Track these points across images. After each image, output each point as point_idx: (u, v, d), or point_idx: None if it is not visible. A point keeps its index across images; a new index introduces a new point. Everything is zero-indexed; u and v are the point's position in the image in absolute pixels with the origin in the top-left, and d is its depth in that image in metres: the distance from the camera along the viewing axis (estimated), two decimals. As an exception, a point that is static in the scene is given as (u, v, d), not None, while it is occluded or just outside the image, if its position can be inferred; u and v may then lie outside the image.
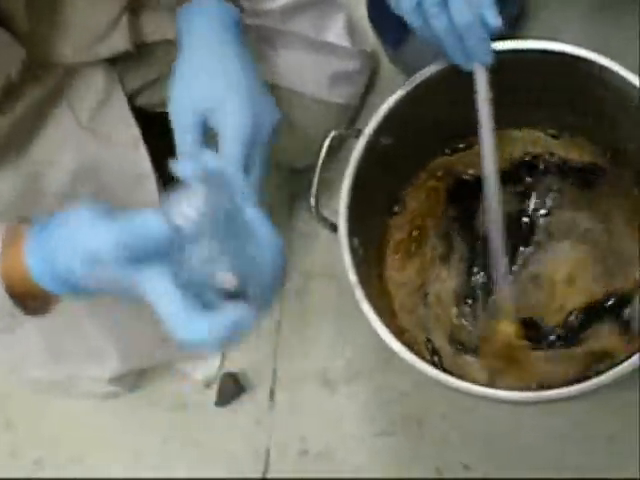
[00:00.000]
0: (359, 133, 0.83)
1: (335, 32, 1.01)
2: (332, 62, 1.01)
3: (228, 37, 0.76)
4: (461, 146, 0.96)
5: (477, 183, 0.85)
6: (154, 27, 0.88)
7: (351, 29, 1.04)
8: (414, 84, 0.84)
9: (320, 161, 0.82)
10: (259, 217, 0.60)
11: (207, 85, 0.73)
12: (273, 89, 0.93)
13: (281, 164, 1.09)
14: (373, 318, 0.79)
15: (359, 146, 0.83)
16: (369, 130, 0.83)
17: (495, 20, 0.73)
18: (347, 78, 1.03)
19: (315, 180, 0.82)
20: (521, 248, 0.92)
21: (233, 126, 0.70)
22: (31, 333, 0.94)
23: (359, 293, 0.80)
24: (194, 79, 0.74)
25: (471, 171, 0.95)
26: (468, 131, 0.85)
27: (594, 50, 0.81)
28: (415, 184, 0.96)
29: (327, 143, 0.83)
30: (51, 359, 0.98)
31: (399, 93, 0.83)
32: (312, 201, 0.81)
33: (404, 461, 1.01)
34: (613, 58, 0.80)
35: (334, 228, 0.82)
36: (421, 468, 1.00)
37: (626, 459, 0.94)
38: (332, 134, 0.83)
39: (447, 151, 0.96)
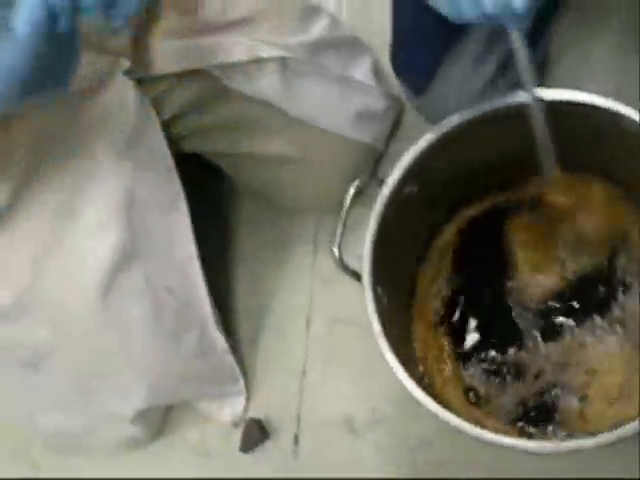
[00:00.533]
0: (382, 183, 0.83)
1: (362, 71, 1.03)
2: (358, 99, 1.01)
3: None
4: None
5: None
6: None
7: (377, 71, 1.05)
8: (438, 133, 0.84)
9: (344, 213, 0.83)
10: None
11: None
12: (298, 125, 0.96)
13: (305, 206, 1.09)
14: (396, 367, 0.80)
15: (382, 197, 0.83)
16: (392, 180, 0.84)
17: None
18: (372, 117, 1.04)
19: (339, 231, 0.83)
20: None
21: None
22: (59, 375, 0.94)
23: (382, 342, 0.80)
24: None
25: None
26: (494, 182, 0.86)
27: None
28: (441, 236, 0.96)
29: (351, 193, 0.84)
30: (76, 399, 0.98)
31: (422, 142, 0.84)
32: (335, 252, 0.82)
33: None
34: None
35: (358, 277, 0.82)
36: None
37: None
38: (356, 183, 0.84)
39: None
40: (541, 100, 0.78)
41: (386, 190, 0.83)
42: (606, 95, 0.81)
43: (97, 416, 1.02)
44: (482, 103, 0.83)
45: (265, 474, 1.07)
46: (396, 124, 1.11)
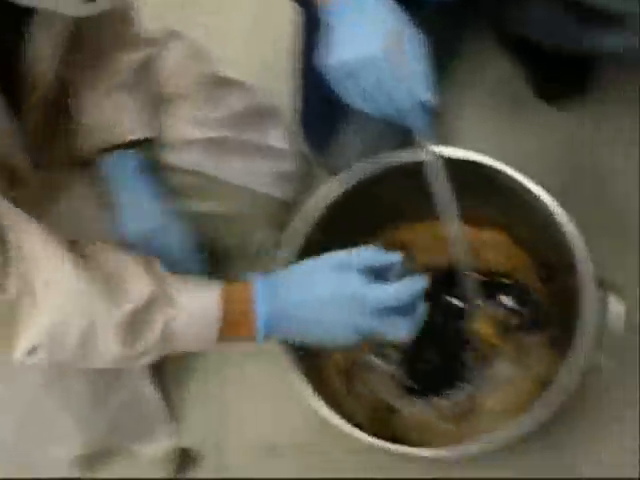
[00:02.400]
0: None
1: (276, 136, 1.15)
2: (273, 163, 1.14)
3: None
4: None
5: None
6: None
7: (289, 134, 1.17)
8: (335, 186, 0.98)
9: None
10: None
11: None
12: (227, 186, 1.08)
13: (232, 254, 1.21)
14: (309, 393, 0.91)
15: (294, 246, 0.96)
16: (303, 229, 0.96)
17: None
18: (286, 177, 1.16)
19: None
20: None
21: None
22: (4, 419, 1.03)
23: (294, 375, 0.92)
24: None
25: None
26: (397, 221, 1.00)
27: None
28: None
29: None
30: (20, 441, 1.07)
31: (320, 195, 0.98)
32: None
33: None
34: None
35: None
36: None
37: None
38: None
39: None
40: (439, 157, 0.90)
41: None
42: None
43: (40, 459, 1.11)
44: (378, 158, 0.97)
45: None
46: (307, 179, 1.23)
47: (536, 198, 0.95)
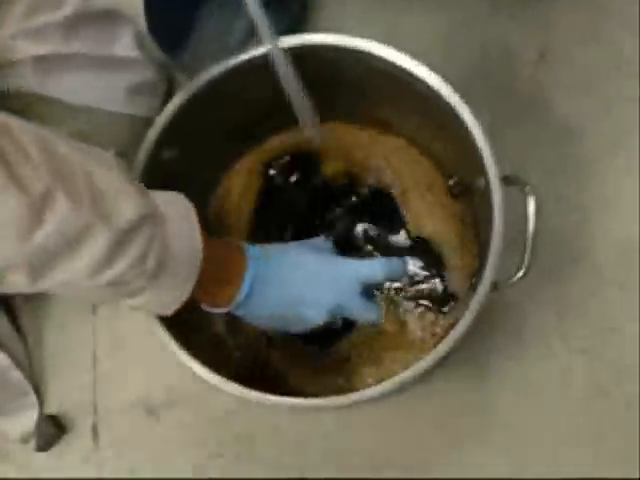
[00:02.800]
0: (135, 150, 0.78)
1: (123, 45, 0.97)
2: (124, 76, 0.97)
3: None
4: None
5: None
6: None
7: (140, 40, 1.00)
8: (190, 90, 0.80)
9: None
10: None
11: None
12: (68, 108, 0.91)
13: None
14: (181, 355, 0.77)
15: (138, 164, 0.78)
16: (146, 144, 0.79)
17: None
18: (142, 90, 0.99)
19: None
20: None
21: None
22: None
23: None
24: None
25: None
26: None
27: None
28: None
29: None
30: None
31: (172, 103, 0.80)
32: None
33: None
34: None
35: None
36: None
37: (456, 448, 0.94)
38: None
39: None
40: (281, 48, 0.75)
41: (141, 156, 0.78)
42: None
43: None
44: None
45: (67, 469, 1.02)
46: (169, 90, 1.06)
47: (432, 90, 0.78)
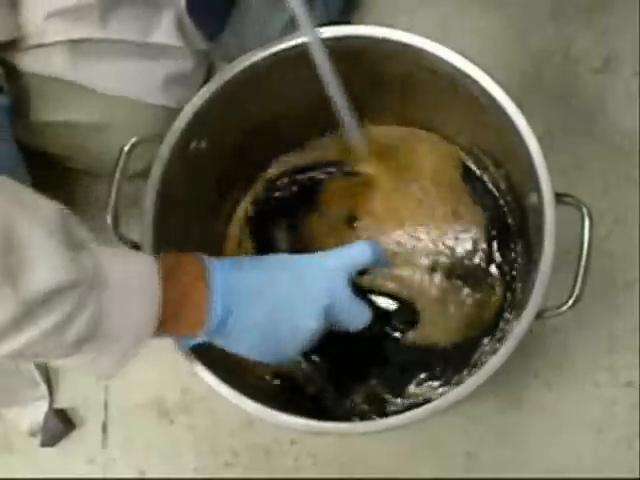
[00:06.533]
0: (161, 139, 0.73)
1: (163, 31, 0.92)
2: (163, 64, 0.92)
3: None
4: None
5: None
6: None
7: (181, 27, 0.94)
8: (224, 79, 0.75)
9: (118, 172, 0.72)
10: None
11: None
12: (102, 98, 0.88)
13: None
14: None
15: (162, 153, 0.73)
16: (173, 134, 0.73)
17: None
18: (180, 80, 0.94)
19: (113, 193, 0.71)
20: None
21: None
22: None
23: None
24: None
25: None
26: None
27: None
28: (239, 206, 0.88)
29: (126, 149, 0.73)
30: None
31: (206, 89, 0.74)
32: (108, 219, 0.71)
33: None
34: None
35: (137, 248, 0.72)
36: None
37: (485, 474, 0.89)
38: (132, 141, 0.73)
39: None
40: (321, 39, 0.69)
41: (166, 146, 0.73)
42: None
43: None
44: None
45: (73, 467, 0.98)
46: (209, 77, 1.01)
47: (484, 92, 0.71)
